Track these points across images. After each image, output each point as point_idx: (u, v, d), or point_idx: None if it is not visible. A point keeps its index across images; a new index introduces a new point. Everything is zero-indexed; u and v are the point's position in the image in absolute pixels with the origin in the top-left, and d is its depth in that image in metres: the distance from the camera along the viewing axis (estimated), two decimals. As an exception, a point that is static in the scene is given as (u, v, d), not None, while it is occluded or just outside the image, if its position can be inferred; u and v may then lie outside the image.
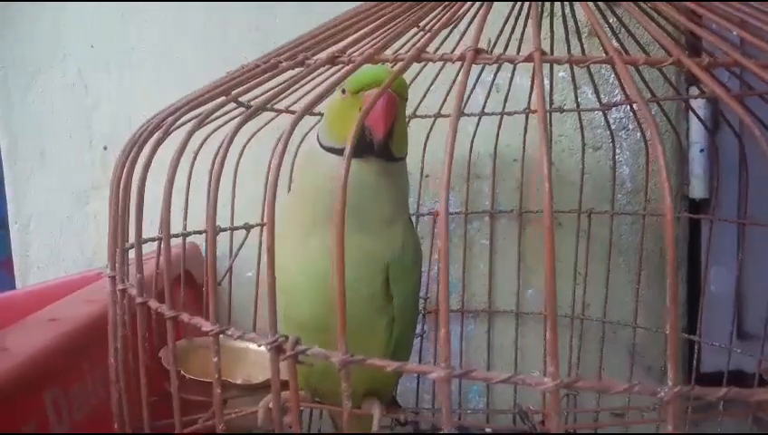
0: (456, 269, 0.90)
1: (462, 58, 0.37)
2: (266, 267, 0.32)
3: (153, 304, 0.37)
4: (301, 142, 0.71)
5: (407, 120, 0.82)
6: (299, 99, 0.63)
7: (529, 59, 0.35)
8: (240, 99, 0.50)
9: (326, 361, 0.30)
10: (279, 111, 0.65)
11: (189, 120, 0.43)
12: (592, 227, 0.85)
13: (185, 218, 0.65)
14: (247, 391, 0.58)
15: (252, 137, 0.72)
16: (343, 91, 0.52)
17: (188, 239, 0.73)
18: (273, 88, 0.43)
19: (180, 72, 0.92)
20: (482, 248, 0.89)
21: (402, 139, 0.54)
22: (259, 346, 0.31)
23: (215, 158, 0.59)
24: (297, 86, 0.55)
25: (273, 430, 0.47)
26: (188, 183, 0.65)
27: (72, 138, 0.95)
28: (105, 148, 0.93)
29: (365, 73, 0.51)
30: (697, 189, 0.87)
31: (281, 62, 0.42)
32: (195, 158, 0.64)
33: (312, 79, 0.58)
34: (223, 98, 0.44)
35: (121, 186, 0.42)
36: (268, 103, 0.42)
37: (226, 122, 0.60)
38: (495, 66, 0.83)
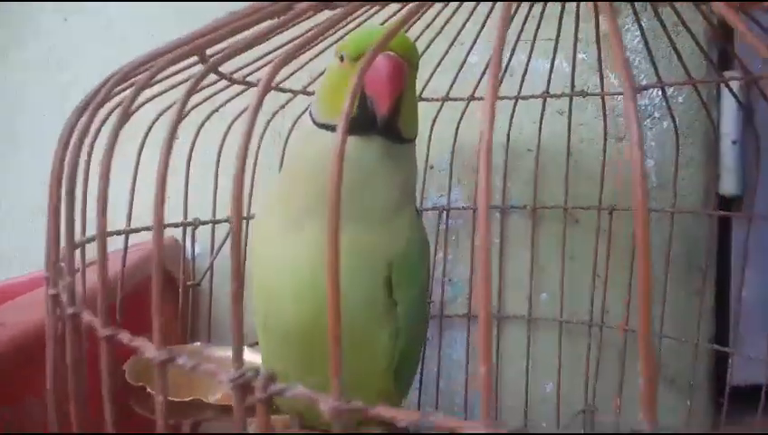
0: (461, 270, 0.82)
1: None
2: (231, 268, 0.24)
3: (87, 316, 0.29)
4: (294, 125, 0.63)
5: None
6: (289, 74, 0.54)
7: None
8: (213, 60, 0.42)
9: (311, 402, 0.22)
10: (237, 82, 0.55)
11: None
12: (613, 225, 0.77)
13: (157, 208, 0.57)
14: (225, 412, 0.50)
15: (237, 117, 0.63)
16: (341, 59, 0.44)
17: (168, 233, 0.65)
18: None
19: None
20: (491, 248, 0.81)
21: (412, 116, 0.47)
22: (220, 382, 0.23)
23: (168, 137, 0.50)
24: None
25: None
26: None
27: (45, 117, 0.86)
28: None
29: (368, 34, 0.43)
30: (729, 185, 0.79)
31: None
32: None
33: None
34: (181, 51, 0.36)
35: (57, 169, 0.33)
36: (228, 59, 0.33)
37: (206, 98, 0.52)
38: (510, 48, 0.75)
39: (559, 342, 0.79)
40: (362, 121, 0.42)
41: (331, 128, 0.44)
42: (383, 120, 0.41)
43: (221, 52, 0.37)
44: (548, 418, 0.81)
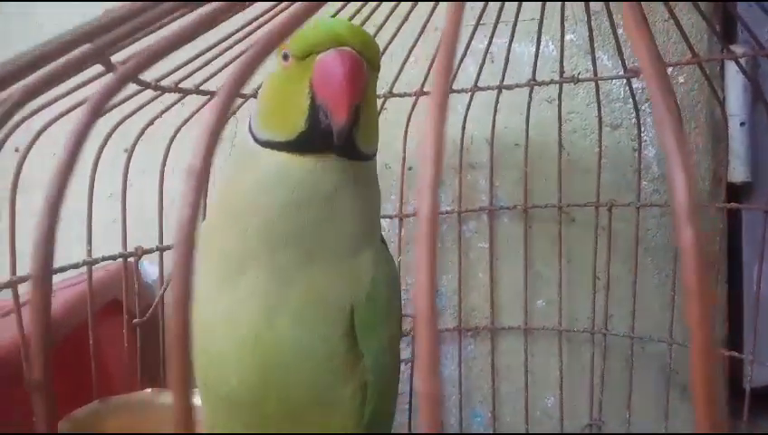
0: (450, 279, 0.74)
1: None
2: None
3: None
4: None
5: (381, 99, 0.67)
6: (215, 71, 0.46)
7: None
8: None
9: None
10: (169, 90, 0.47)
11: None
12: (613, 222, 0.70)
13: (89, 242, 0.49)
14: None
15: (182, 125, 0.55)
16: (285, 58, 0.36)
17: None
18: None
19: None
20: (480, 253, 0.74)
21: (372, 128, 0.39)
22: None
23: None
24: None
25: None
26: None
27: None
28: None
29: (317, 27, 0.35)
30: (738, 171, 0.72)
31: None
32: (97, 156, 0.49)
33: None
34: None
35: None
36: (143, 69, 0.26)
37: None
38: (489, 31, 0.67)
39: (559, 352, 0.72)
40: (314, 137, 0.35)
41: (276, 145, 0.36)
42: (341, 132, 0.33)
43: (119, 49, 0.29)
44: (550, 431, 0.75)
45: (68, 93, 0.36)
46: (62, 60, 0.27)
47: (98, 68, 0.34)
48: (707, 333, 0.12)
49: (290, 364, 0.35)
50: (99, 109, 0.24)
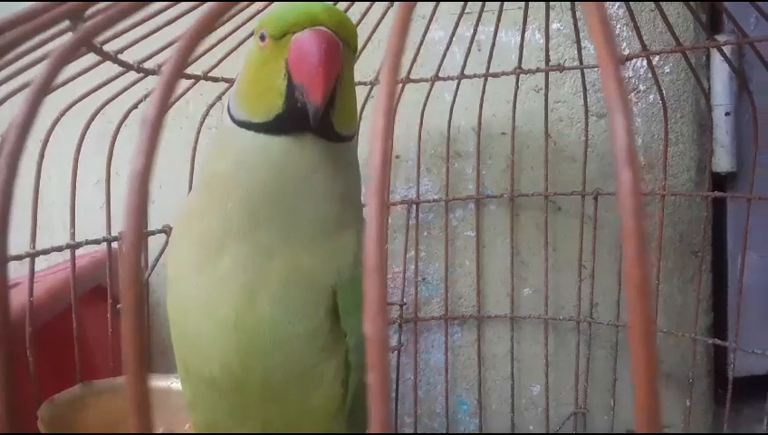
0: (436, 268, 0.75)
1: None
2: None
3: None
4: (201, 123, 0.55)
5: (368, 86, 0.67)
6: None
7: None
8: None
9: None
10: (152, 72, 0.47)
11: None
12: (599, 210, 0.70)
13: (72, 226, 0.49)
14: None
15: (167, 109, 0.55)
16: (262, 38, 0.36)
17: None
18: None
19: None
20: (467, 241, 0.74)
21: (350, 108, 0.39)
22: None
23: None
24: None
25: None
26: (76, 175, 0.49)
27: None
28: None
29: (294, 9, 0.35)
30: (722, 161, 0.72)
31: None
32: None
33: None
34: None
35: None
36: (105, 28, 0.25)
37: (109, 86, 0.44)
38: (475, 19, 0.67)
39: (545, 340, 0.72)
40: (291, 118, 0.35)
41: (253, 126, 0.36)
42: (317, 113, 0.34)
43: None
44: (536, 422, 0.75)
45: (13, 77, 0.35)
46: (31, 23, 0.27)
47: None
48: (644, 270, 0.12)
49: (271, 344, 0.35)
50: (59, 65, 0.23)
